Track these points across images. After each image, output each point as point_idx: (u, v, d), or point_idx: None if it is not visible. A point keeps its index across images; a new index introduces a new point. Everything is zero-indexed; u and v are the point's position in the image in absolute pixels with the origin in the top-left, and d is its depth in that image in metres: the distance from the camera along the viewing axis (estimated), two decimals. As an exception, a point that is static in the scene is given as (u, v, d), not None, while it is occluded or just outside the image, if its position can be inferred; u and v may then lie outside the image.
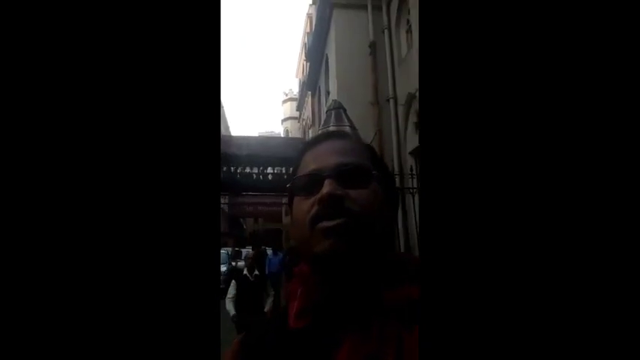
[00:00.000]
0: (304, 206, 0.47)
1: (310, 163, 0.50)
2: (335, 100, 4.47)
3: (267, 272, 7.70)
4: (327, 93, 6.98)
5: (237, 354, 0.51)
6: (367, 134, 4.78)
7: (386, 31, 5.88)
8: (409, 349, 0.40)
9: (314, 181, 0.47)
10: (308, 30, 12.53)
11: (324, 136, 0.54)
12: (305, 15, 14.36)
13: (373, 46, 5.87)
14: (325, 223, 0.44)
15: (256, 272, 4.11)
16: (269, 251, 8.72)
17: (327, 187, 0.45)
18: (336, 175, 0.46)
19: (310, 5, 11.83)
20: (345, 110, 4.22)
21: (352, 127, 3.78)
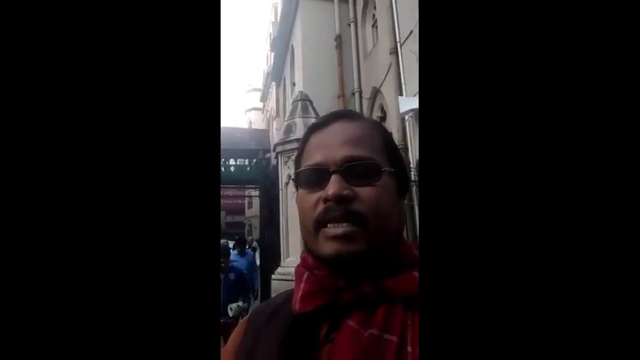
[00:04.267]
0: (309, 201, 0.45)
1: (316, 151, 0.47)
2: (301, 92, 4.45)
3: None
4: (293, 84, 6.93)
5: (244, 334, 0.50)
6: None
7: (352, 24, 5.91)
8: (413, 334, 0.40)
9: (319, 175, 0.45)
10: (272, 20, 12.30)
11: (333, 117, 0.49)
12: (270, 4, 14.09)
13: (339, 40, 5.88)
14: (331, 230, 0.42)
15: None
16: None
17: (332, 186, 0.43)
18: (344, 171, 0.44)
19: (275, -6, 11.60)
20: (311, 102, 4.22)
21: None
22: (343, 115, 0.50)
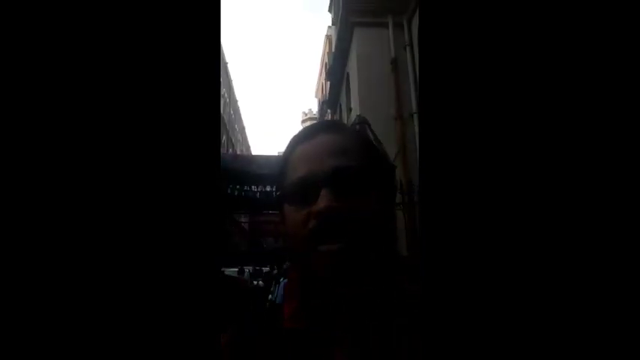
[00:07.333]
0: (298, 217, 0.42)
1: (302, 163, 0.44)
2: (359, 116, 4.47)
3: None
4: (349, 110, 7.02)
5: (227, 349, 0.47)
6: (390, 149, 4.73)
7: (407, 47, 5.90)
8: (410, 348, 0.38)
9: (308, 188, 0.41)
10: (327, 50, 12.77)
11: (317, 129, 0.46)
12: (324, 37, 14.70)
13: (395, 63, 5.88)
14: (327, 247, 0.39)
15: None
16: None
17: (324, 200, 0.39)
18: (334, 183, 0.40)
19: (329, 27, 12.10)
20: (369, 125, 4.20)
21: (377, 141, 3.75)
22: (327, 126, 0.48)
